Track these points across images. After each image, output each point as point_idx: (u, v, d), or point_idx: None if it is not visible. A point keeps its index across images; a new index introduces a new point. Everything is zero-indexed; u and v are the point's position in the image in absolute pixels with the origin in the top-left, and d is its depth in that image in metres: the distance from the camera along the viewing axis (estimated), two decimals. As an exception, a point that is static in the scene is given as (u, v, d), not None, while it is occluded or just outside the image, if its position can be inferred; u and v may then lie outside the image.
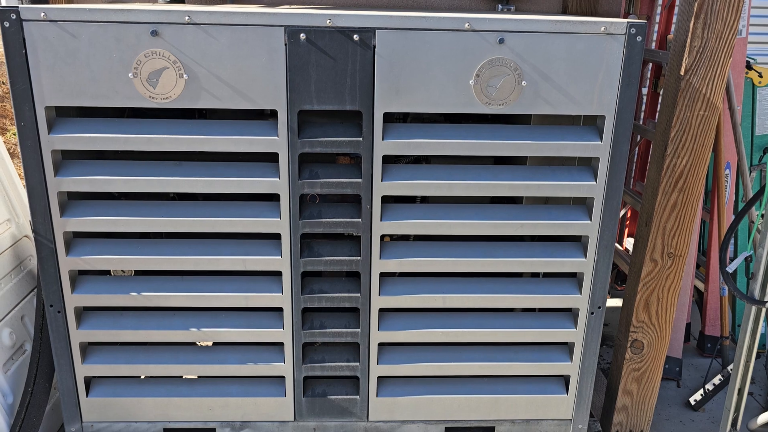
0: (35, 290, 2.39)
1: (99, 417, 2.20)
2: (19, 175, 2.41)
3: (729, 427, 2.36)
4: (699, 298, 3.40)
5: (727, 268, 2.39)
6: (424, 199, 2.29)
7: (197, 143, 1.90)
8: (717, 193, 3.04)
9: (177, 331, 2.10)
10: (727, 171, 3.09)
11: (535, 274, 2.26)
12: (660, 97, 3.46)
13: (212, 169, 1.96)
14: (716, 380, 2.93)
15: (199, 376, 2.24)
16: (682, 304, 2.99)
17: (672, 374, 3.04)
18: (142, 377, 2.27)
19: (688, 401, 2.90)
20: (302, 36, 1.81)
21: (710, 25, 2.07)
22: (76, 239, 2.03)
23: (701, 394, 2.90)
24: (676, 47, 2.17)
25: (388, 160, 1.99)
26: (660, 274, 2.34)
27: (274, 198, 1.99)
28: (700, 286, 3.29)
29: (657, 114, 3.13)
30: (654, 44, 3.37)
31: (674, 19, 3.19)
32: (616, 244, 3.25)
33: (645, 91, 3.48)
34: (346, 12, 1.86)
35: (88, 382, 2.17)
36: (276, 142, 1.91)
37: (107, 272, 2.20)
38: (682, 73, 2.13)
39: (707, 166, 2.23)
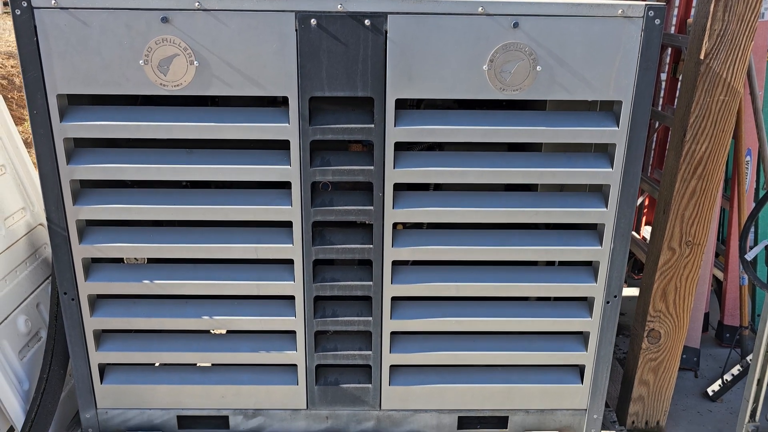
0: (50, 278, 2.40)
1: (113, 404, 2.21)
2: (34, 164, 2.41)
3: (747, 418, 2.32)
4: (718, 287, 3.35)
5: (746, 256, 2.34)
6: (438, 187, 2.27)
7: (208, 131, 1.89)
8: (737, 180, 2.97)
9: (189, 319, 2.11)
10: (748, 158, 3.02)
11: (551, 263, 2.23)
12: (679, 83, 3.39)
13: (223, 157, 1.95)
14: (735, 371, 2.88)
15: (212, 364, 2.25)
16: (700, 293, 2.94)
17: (689, 364, 2.99)
18: (157, 365, 2.27)
19: (706, 392, 2.86)
20: (313, 21, 1.79)
21: (731, 7, 2.02)
22: (89, 227, 2.03)
23: (719, 385, 2.85)
24: (696, 31, 2.12)
25: (400, 147, 1.97)
26: (678, 262, 2.30)
27: (286, 186, 1.98)
28: (719, 275, 3.23)
29: (676, 100, 3.07)
30: (673, 28, 3.29)
31: (694, 2, 3.12)
32: (633, 233, 3.21)
33: (664, 76, 3.41)
34: (357, -4, 1.83)
35: (103, 369, 2.19)
36: (287, 129, 1.89)
37: (121, 260, 2.21)
38: (701, 57, 2.08)
39: (727, 152, 2.18)
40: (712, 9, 2.02)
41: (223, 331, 2.33)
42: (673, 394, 2.81)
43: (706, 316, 3.21)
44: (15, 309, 2.23)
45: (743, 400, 2.36)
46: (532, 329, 2.16)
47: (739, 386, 2.86)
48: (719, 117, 2.13)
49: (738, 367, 2.89)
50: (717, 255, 3.33)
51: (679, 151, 2.19)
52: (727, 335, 3.18)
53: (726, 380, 2.86)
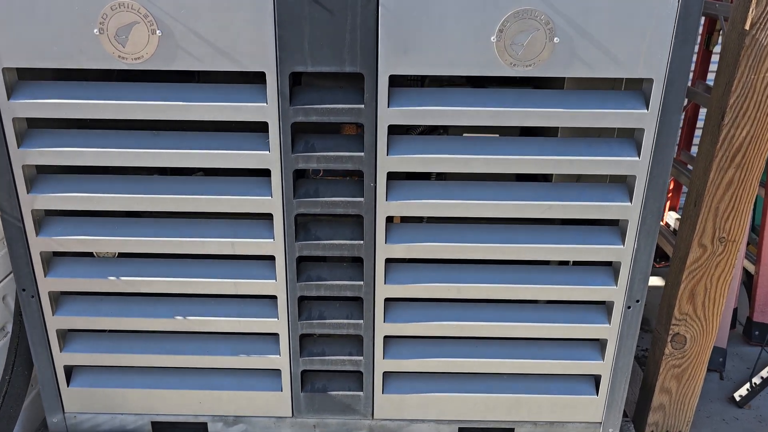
0: (16, 268, 2.21)
1: (82, 408, 2.03)
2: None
3: (781, 433, 2.10)
4: (747, 280, 3.09)
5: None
6: (441, 177, 2.01)
7: (174, 110, 1.66)
8: (776, 165, 2.69)
9: (162, 319, 1.90)
10: (789, 140, 2.73)
11: (564, 262, 1.98)
12: (712, 56, 3.09)
13: (194, 140, 1.72)
14: (765, 373, 2.64)
15: (188, 368, 2.05)
16: (730, 290, 2.68)
17: (715, 365, 2.76)
18: (138, 367, 2.07)
19: (732, 396, 2.63)
20: (293, -16, 1.54)
21: (785, -32, 1.73)
22: (47, 217, 1.83)
23: (747, 389, 2.62)
24: (741, -4, 1.83)
25: (397, 130, 1.73)
26: (709, 261, 2.05)
27: (267, 174, 1.74)
28: (751, 267, 2.97)
29: (708, 75, 2.78)
30: (708, -5, 2.98)
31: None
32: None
33: (696, 49, 3.11)
34: (344, -46, 1.57)
35: (69, 371, 2.00)
36: (264, 109, 1.65)
37: (88, 254, 2.00)
38: (747, 27, 1.79)
39: (771, 138, 1.91)
40: (761, -29, 1.73)
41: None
42: (696, 399, 2.60)
43: (734, 311, 2.96)
44: (-24, 303, 2.05)
45: (777, 414, 2.13)
46: (543, 335, 1.93)
47: (770, 391, 2.63)
48: (764, 97, 1.85)
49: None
50: (747, 244, 3.07)
51: (715, 136, 1.92)
52: (757, 333, 2.93)
53: (755, 384, 2.63)
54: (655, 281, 3.39)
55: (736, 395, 2.62)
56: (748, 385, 2.63)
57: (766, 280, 2.87)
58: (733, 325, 2.98)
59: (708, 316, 2.13)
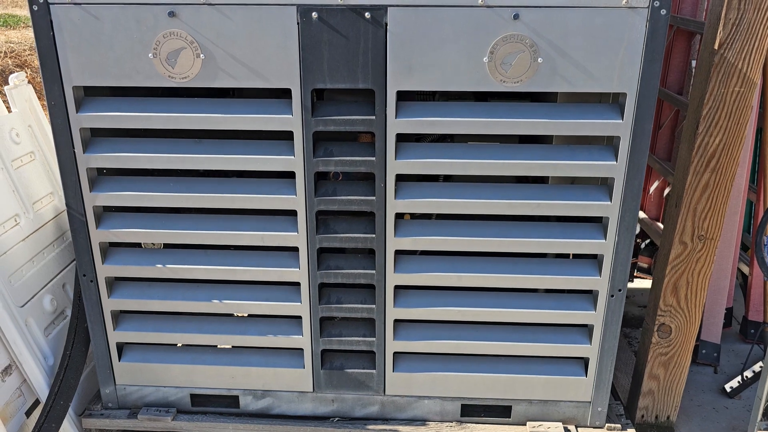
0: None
1: (131, 381, 2.32)
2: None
3: (760, 416, 2.27)
4: (743, 282, 3.26)
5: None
6: (448, 179, 2.27)
7: (214, 122, 1.95)
8: (765, 172, 2.88)
9: (200, 302, 2.19)
10: (777, 149, 2.91)
11: (562, 256, 2.21)
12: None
13: (230, 147, 2.01)
14: (756, 367, 2.81)
15: (222, 346, 2.33)
16: (722, 288, 2.87)
17: (709, 359, 2.94)
18: (179, 345, 2.36)
19: (724, 388, 2.80)
20: (314, 15, 1.82)
21: (748, -5, 1.95)
22: (106, 213, 2.13)
23: (738, 381, 2.79)
24: (711, 19, 2.06)
25: (407, 138, 1.99)
26: (690, 257, 2.26)
27: (292, 176, 2.02)
28: (747, 270, 3.14)
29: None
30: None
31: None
32: (657, 223, 3.14)
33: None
34: (358, -11, 1.85)
35: (121, 347, 2.30)
36: (290, 120, 1.94)
37: (138, 245, 2.30)
38: (716, 47, 2.02)
39: (743, 145, 2.12)
40: (727, -3, 1.96)
41: (236, 315, 2.41)
42: (690, 390, 2.78)
43: (730, 310, 3.13)
44: (41, 289, 2.36)
45: (756, 398, 2.31)
46: (535, 321, 2.16)
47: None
48: (734, 109, 2.07)
49: (760, 363, 2.82)
50: (747, 249, 3.24)
51: (691, 144, 2.14)
52: (752, 331, 3.10)
53: (746, 377, 2.80)
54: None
55: (727, 386, 2.80)
56: (739, 378, 2.80)
57: (758, 281, 3.04)
58: (729, 324, 3.15)
59: (690, 308, 2.33)
